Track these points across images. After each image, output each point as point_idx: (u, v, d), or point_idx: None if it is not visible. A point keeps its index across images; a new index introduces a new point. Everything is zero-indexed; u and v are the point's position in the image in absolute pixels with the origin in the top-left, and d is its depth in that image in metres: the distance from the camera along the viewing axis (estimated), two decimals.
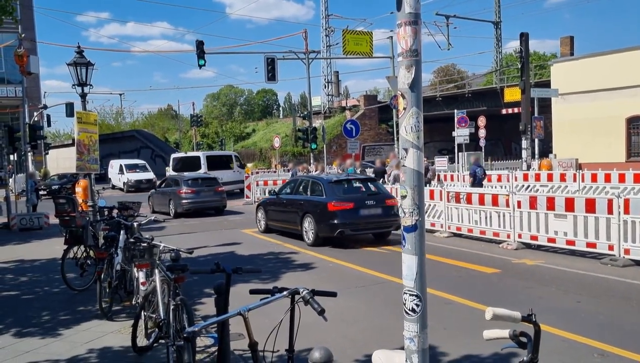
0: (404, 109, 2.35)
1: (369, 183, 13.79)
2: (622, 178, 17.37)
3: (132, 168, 39.09)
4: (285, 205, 14.33)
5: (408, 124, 2.34)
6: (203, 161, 29.45)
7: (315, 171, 21.88)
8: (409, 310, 2.37)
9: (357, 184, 13.66)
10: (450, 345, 5.84)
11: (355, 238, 12.81)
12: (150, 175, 38.21)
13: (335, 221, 12.29)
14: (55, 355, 5.91)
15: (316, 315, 3.01)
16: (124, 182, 37.60)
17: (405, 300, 2.39)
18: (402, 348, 2.53)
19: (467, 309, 7.34)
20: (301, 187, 14.15)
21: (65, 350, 6.08)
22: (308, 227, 13.03)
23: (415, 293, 2.36)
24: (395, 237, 13.00)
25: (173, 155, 33.11)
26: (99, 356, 5.88)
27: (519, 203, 11.52)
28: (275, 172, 30.72)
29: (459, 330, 6.38)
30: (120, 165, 39.44)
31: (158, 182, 24.68)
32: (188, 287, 7.80)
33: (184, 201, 20.24)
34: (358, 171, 20.14)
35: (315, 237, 12.74)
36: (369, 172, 21.64)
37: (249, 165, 46.26)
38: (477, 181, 16.31)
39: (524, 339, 2.47)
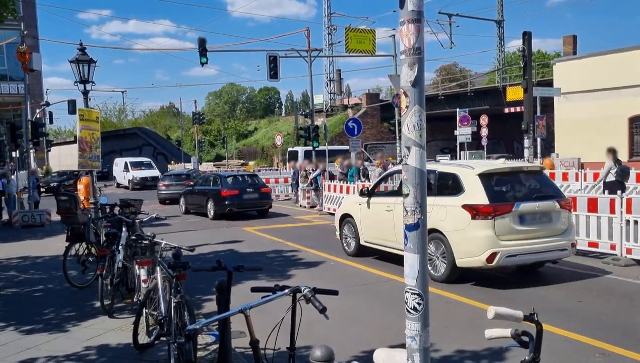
0: (407, 107, 2.34)
1: (252, 178, 20.04)
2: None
3: (137, 165, 39.18)
4: (198, 193, 19.99)
5: (410, 122, 2.33)
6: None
7: (316, 169, 21.86)
8: (411, 308, 2.37)
9: (244, 178, 19.93)
10: (451, 344, 5.83)
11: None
12: (155, 172, 38.29)
13: (226, 202, 18.23)
14: (57, 352, 5.92)
15: (317, 313, 3.01)
16: (129, 180, 37.66)
17: (407, 299, 2.38)
18: (403, 346, 2.53)
19: (467, 308, 7.34)
20: (208, 181, 20.15)
21: (67, 346, 6.09)
22: (210, 207, 18.74)
23: (417, 292, 2.35)
24: None
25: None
26: (100, 353, 5.89)
27: None
28: (277, 170, 30.71)
29: (459, 329, 6.38)
30: (125, 163, 39.52)
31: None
32: (189, 284, 7.80)
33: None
34: (361, 169, 20.13)
35: (214, 214, 18.51)
36: (371, 170, 21.65)
37: (251, 163, 46.33)
38: None
39: (525, 338, 2.46)
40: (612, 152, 12.97)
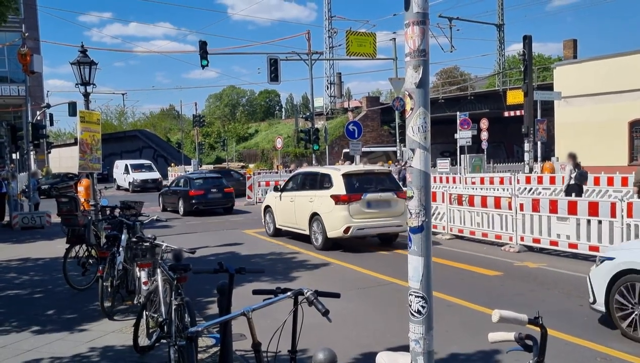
0: (411, 109, 2.33)
1: (217, 179, 22.38)
2: (624, 181, 17.32)
3: (137, 168, 39.13)
4: (172, 193, 22.73)
5: (415, 124, 2.33)
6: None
7: None
8: (415, 311, 2.36)
9: (210, 180, 22.14)
10: (453, 348, 5.81)
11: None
12: (155, 174, 38.26)
13: (193, 201, 20.83)
14: (57, 354, 5.90)
15: (319, 316, 3.00)
16: (129, 182, 37.60)
17: (411, 302, 2.37)
18: (407, 349, 2.52)
19: (469, 312, 7.32)
20: (180, 182, 22.50)
21: (67, 348, 6.08)
22: (180, 205, 21.37)
23: (421, 295, 2.35)
24: (399, 240, 12.98)
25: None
26: (101, 355, 5.87)
27: (521, 205, 11.49)
28: (277, 172, 30.71)
29: (461, 333, 6.36)
30: (126, 165, 39.48)
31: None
32: (190, 287, 7.79)
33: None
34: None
35: (184, 211, 21.08)
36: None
37: (251, 165, 46.30)
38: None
39: (529, 342, 2.45)
40: (572, 157, 14.16)
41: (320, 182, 12.98)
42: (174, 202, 22.01)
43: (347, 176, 12.35)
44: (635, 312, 5.96)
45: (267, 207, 15.04)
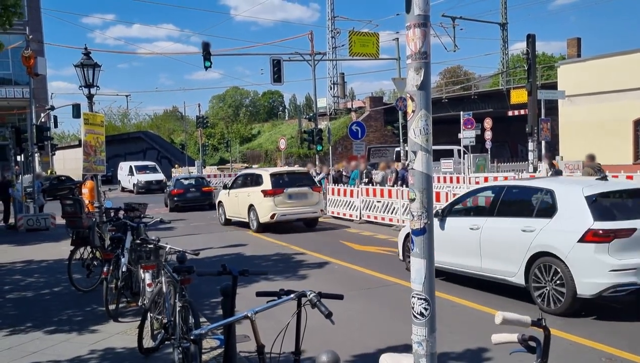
0: (413, 111, 2.33)
1: (198, 180, 25.96)
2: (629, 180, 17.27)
3: (142, 169, 39.21)
4: (168, 193, 25.28)
5: (417, 126, 2.33)
6: None
7: (320, 172, 21.87)
8: (418, 314, 2.36)
9: (190, 181, 25.36)
10: (457, 349, 5.81)
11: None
12: (160, 176, 38.33)
13: (175, 199, 23.82)
14: (61, 356, 5.93)
15: (322, 317, 3.00)
16: (133, 184, 37.69)
17: (414, 304, 2.37)
18: (410, 351, 2.52)
19: (474, 312, 7.31)
20: (171, 183, 26.32)
21: (71, 350, 6.10)
22: (167, 202, 24.77)
23: (423, 297, 2.34)
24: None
25: None
26: (105, 357, 5.89)
27: None
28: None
29: (465, 334, 6.35)
30: (130, 167, 39.55)
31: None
32: (194, 288, 7.80)
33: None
34: (365, 171, 20.14)
35: (169, 208, 24.05)
36: (374, 174, 21.63)
37: (255, 166, 46.38)
38: (406, 185, 17.07)
39: (533, 344, 2.45)
40: (548, 157, 15.36)
41: (255, 180, 16.43)
42: (166, 200, 25.46)
43: (273, 175, 15.97)
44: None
45: (220, 202, 18.53)
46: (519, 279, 7.53)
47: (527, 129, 21.81)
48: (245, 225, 16.65)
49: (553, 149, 29.90)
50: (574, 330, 6.25)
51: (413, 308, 2.37)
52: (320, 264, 10.99)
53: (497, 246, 7.89)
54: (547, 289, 7.10)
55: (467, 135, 25.31)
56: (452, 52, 35.45)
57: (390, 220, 16.21)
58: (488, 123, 27.87)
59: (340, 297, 3.37)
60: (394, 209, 16.12)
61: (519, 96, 29.56)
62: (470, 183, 20.62)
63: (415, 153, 2.34)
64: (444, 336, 5.95)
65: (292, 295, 3.21)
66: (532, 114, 21.77)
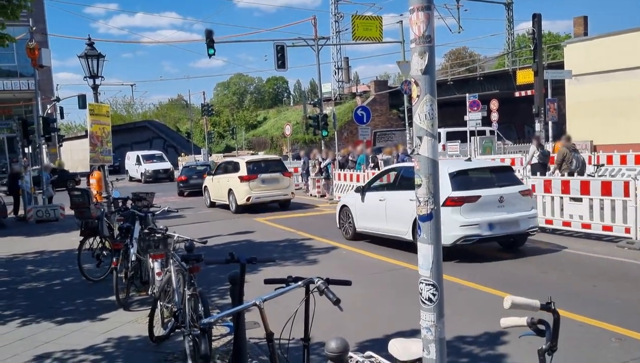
0: (418, 96, 2.31)
1: (203, 166, 27.35)
2: (638, 159, 17.14)
3: (149, 158, 39.33)
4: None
5: (422, 111, 2.30)
6: None
7: (326, 158, 21.84)
8: (426, 299, 2.35)
9: (199, 168, 27.04)
10: (466, 333, 5.82)
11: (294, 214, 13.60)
12: (167, 165, 38.46)
13: (181, 185, 26.05)
14: (73, 345, 5.99)
15: (330, 303, 3.01)
16: (141, 173, 37.82)
17: (422, 290, 2.37)
18: (419, 336, 2.52)
19: (482, 295, 7.32)
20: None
21: (83, 340, 6.16)
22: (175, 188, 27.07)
23: (431, 283, 2.34)
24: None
25: None
26: (117, 346, 5.95)
27: (533, 187, 11.41)
28: (286, 159, 30.70)
29: (473, 317, 6.36)
30: (137, 156, 39.67)
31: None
32: (203, 276, 7.85)
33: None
34: (371, 156, 20.10)
35: (177, 193, 26.15)
36: (380, 158, 21.58)
37: (261, 153, 46.40)
38: None
39: (542, 327, 2.44)
40: (537, 138, 15.84)
41: (234, 167, 18.55)
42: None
43: (248, 163, 18.12)
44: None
45: (205, 187, 20.68)
46: (409, 236, 9.88)
47: (533, 110, 21.65)
48: (308, 224, 14.78)
49: (560, 129, 29.70)
50: (584, 311, 6.24)
51: (421, 294, 2.37)
52: (328, 250, 11.01)
53: (395, 212, 10.32)
54: None
55: (473, 118, 25.17)
56: (456, 33, 35.29)
57: None
58: (494, 104, 27.66)
59: (348, 283, 3.37)
60: None
61: (525, 77, 29.23)
62: (571, 163, 20.35)
63: (420, 138, 2.32)
64: (452, 320, 5.96)
65: (300, 283, 3.21)
66: (539, 94, 21.60)
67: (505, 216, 9.25)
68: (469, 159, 11.53)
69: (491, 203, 9.25)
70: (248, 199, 17.42)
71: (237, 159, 20.14)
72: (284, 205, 18.53)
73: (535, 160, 14.79)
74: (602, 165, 17.03)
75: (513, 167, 14.00)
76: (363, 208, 11.38)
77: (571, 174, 12.14)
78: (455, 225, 9.06)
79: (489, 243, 9.91)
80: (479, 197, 9.20)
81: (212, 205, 19.93)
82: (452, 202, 9.15)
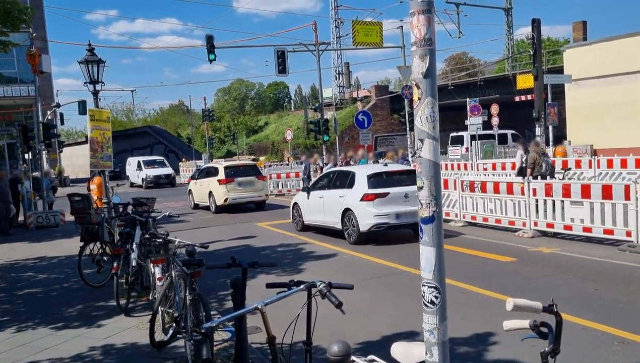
0: (419, 99, 2.31)
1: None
2: (638, 163, 17.13)
3: (150, 164, 39.32)
4: None
5: (423, 114, 2.31)
6: None
7: (327, 162, 21.88)
8: (428, 302, 2.35)
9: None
10: (468, 335, 5.81)
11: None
12: (168, 170, 38.47)
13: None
14: (74, 351, 5.97)
15: (332, 306, 3.00)
16: (142, 178, 37.81)
17: (424, 293, 2.36)
18: (421, 339, 2.51)
19: (484, 298, 7.30)
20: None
21: (84, 345, 6.14)
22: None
23: (434, 285, 2.33)
24: (408, 229, 12.96)
25: None
26: (118, 351, 5.94)
27: (534, 190, 11.42)
28: (288, 164, 30.72)
29: (476, 320, 6.34)
30: (139, 162, 39.65)
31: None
32: (205, 281, 7.83)
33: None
34: (371, 162, 20.08)
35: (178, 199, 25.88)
36: (381, 162, 21.57)
37: (262, 158, 46.40)
38: None
39: (544, 329, 2.44)
40: (522, 143, 16.23)
41: (213, 172, 20.39)
42: None
43: (226, 168, 20.06)
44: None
45: (190, 190, 22.56)
46: (338, 226, 12.47)
47: (534, 114, 21.65)
48: (311, 229, 14.27)
49: (560, 133, 29.71)
50: (586, 315, 6.23)
51: (423, 296, 2.37)
52: (329, 254, 11.00)
53: (330, 207, 12.85)
54: (349, 229, 12.18)
55: (474, 122, 25.20)
56: (456, 38, 35.32)
57: None
58: (495, 109, 27.70)
59: (350, 287, 3.37)
60: None
61: (525, 81, 29.30)
62: (478, 169, 20.55)
63: (422, 141, 2.32)
64: (455, 323, 5.93)
65: (302, 286, 3.21)
66: (539, 98, 21.61)
67: (409, 208, 11.40)
68: (386, 165, 14.36)
69: (398, 199, 11.68)
70: (225, 200, 19.25)
71: (217, 164, 22.71)
72: (259, 205, 20.22)
73: (520, 164, 15.11)
74: (569, 169, 17.74)
75: (514, 171, 14.24)
76: (308, 204, 13.84)
77: (542, 176, 12.43)
78: (370, 215, 11.63)
79: (490, 246, 9.83)
80: (388, 193, 11.71)
81: (196, 206, 21.48)
82: (367, 197, 11.72)
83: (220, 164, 21.36)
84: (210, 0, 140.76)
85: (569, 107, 28.72)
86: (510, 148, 29.82)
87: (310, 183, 15.44)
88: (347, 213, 12.21)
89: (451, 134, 31.98)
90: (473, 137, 25.80)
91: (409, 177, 12.11)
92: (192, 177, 22.83)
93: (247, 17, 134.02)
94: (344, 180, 12.80)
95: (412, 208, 10.84)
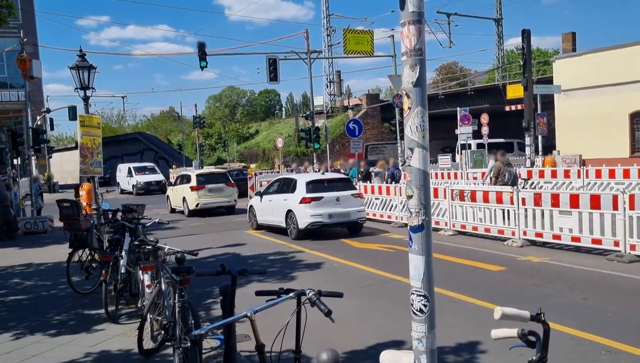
0: (409, 108, 2.33)
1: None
2: (626, 173, 17.31)
3: (140, 170, 39.21)
4: None
5: (413, 123, 2.32)
6: None
7: (318, 171, 21.93)
8: (417, 310, 2.36)
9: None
10: (457, 344, 5.82)
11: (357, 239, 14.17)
12: (159, 176, 38.37)
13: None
14: (61, 359, 5.92)
15: (322, 315, 3.00)
16: (133, 185, 37.66)
17: (413, 301, 2.37)
18: (410, 348, 2.52)
19: (473, 307, 7.32)
20: None
21: (71, 353, 6.09)
22: None
23: (422, 294, 2.35)
24: (400, 236, 13.00)
25: None
26: (105, 359, 5.89)
27: (523, 200, 11.49)
28: (278, 172, 30.69)
29: (465, 329, 6.36)
30: (129, 168, 39.50)
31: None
32: (193, 288, 7.80)
33: None
34: (362, 170, 20.15)
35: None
36: (372, 171, 21.65)
37: (252, 165, 46.34)
38: (395, 181, 17.75)
39: (532, 338, 2.45)
40: (495, 154, 16.31)
41: (187, 179, 22.21)
42: None
43: (198, 175, 21.88)
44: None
45: (167, 196, 24.31)
46: (283, 224, 14.59)
47: (523, 124, 21.82)
48: (240, 225, 17.78)
49: (550, 143, 29.96)
50: (574, 324, 6.26)
51: (412, 305, 2.38)
52: (320, 262, 10.99)
53: (276, 209, 15.02)
54: (290, 227, 14.32)
55: (464, 131, 25.34)
56: (447, 48, 35.54)
57: (389, 217, 16.23)
58: (485, 118, 27.88)
59: (339, 294, 3.37)
60: (392, 206, 16.14)
61: (515, 91, 29.55)
62: (467, 178, 20.65)
63: (412, 150, 2.34)
64: (444, 332, 5.96)
65: (291, 294, 3.20)
66: (529, 108, 21.78)
67: (340, 210, 13.96)
68: (323, 173, 17.65)
69: (331, 202, 13.88)
70: (197, 205, 21.04)
71: (189, 172, 24.83)
72: (229, 209, 21.87)
73: (488, 173, 15.80)
74: (529, 179, 18.58)
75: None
76: (261, 207, 16.00)
77: (505, 185, 13.16)
78: (307, 215, 13.78)
79: (479, 255, 9.86)
80: (322, 197, 13.86)
81: (173, 211, 23.23)
82: (305, 200, 13.85)
83: (193, 172, 23.46)
84: (203, 8, 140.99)
85: (558, 117, 28.99)
86: (516, 156, 30.02)
87: (263, 189, 17.56)
88: (289, 213, 14.33)
89: (476, 141, 32.45)
90: (463, 146, 25.94)
91: (341, 184, 14.75)
92: (170, 184, 25.05)
93: (239, 25, 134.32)
94: (288, 186, 14.91)
95: (343, 209, 14.01)
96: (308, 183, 14.16)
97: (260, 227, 16.17)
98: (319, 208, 13.74)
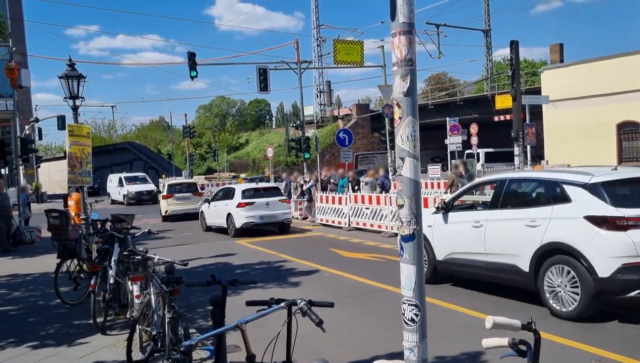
0: (400, 118, 2.34)
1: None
2: None
3: (132, 180, 39.00)
4: None
5: (404, 133, 2.34)
6: None
7: (309, 180, 21.91)
8: (408, 320, 2.36)
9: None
10: (448, 354, 5.81)
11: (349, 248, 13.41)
12: (150, 186, 38.18)
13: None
14: None
15: (314, 325, 2.99)
16: (124, 195, 37.42)
17: (404, 310, 2.37)
18: (402, 358, 2.51)
19: (464, 317, 7.33)
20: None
21: None
22: None
23: (414, 303, 2.35)
24: (390, 246, 12.99)
25: None
26: None
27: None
28: (268, 182, 30.60)
29: (456, 339, 6.35)
30: (120, 178, 39.27)
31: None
32: (184, 299, 7.74)
33: None
34: (350, 180, 20.17)
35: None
36: (362, 181, 21.68)
37: (242, 175, 46.28)
38: (385, 191, 17.81)
39: (523, 347, 2.45)
40: (456, 166, 17.73)
41: (161, 189, 25.09)
42: None
43: (169, 186, 24.83)
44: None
45: (202, 212, 24.64)
46: (225, 225, 17.69)
47: (512, 134, 21.96)
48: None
49: (538, 153, 30.18)
50: (565, 333, 6.29)
51: (404, 314, 2.38)
52: (310, 272, 10.96)
53: (220, 213, 17.93)
54: (230, 227, 17.39)
55: (454, 141, 25.48)
56: (436, 58, 35.62)
57: (379, 226, 16.24)
58: (474, 128, 28.05)
59: (331, 304, 3.36)
60: (382, 216, 16.16)
61: (503, 101, 29.76)
62: (459, 188, 20.71)
63: (403, 159, 2.34)
64: (435, 341, 5.95)
65: (282, 304, 3.19)
66: (517, 119, 21.92)
67: (269, 212, 17.08)
68: (257, 183, 20.98)
69: (261, 206, 17.01)
70: (166, 212, 23.72)
71: (165, 182, 29.08)
72: (193, 215, 22.71)
73: (450, 183, 16.63)
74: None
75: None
76: (209, 211, 18.80)
77: None
78: (242, 217, 16.76)
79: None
80: (254, 202, 16.99)
81: (164, 219, 24.50)
82: (240, 205, 16.89)
83: (167, 182, 26.45)
84: (192, 18, 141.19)
85: (547, 127, 29.23)
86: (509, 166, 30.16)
87: (212, 196, 20.03)
88: (229, 216, 17.28)
89: (485, 150, 32.74)
90: (452, 156, 26.08)
91: (271, 191, 18.09)
92: (162, 198, 26.93)
93: (230, 35, 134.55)
94: (229, 194, 18.07)
95: (271, 212, 17.11)
96: (243, 192, 17.48)
97: (209, 228, 18.94)
98: (252, 211, 16.85)
